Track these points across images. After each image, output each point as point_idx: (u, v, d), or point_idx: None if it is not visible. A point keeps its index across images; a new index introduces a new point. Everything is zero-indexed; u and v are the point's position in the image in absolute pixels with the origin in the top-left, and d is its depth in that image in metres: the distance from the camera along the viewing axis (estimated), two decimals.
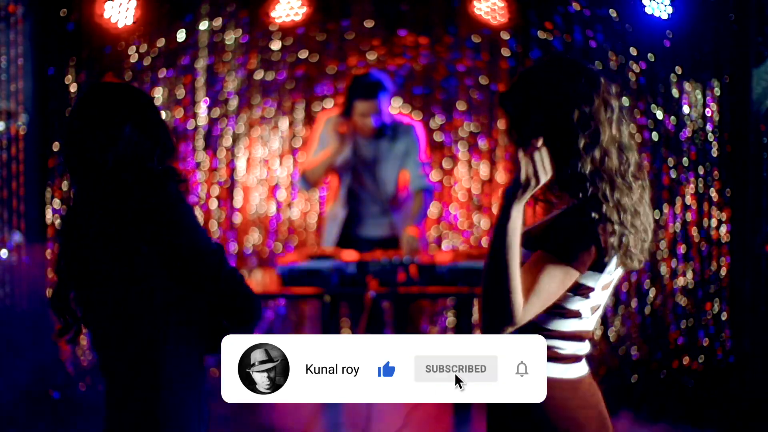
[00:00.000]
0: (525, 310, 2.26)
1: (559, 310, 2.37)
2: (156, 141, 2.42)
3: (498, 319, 2.26)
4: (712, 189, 5.74)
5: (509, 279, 2.24)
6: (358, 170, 5.38)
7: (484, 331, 2.28)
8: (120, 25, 5.60)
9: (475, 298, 4.99)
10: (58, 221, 5.93)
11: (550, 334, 2.37)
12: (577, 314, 2.39)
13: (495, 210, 6.29)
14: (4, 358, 5.65)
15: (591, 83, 2.36)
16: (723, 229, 5.79)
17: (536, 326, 2.35)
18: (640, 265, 2.42)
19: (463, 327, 4.84)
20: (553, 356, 2.38)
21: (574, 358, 2.42)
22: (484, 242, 6.29)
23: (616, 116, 2.36)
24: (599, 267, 2.35)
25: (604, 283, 2.39)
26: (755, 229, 5.64)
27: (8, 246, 5.80)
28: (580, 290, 2.36)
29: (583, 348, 2.43)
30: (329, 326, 4.78)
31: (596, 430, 2.40)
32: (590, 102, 2.34)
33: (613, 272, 2.39)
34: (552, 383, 2.35)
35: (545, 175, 2.25)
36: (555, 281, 2.28)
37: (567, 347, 2.40)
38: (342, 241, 5.37)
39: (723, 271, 5.81)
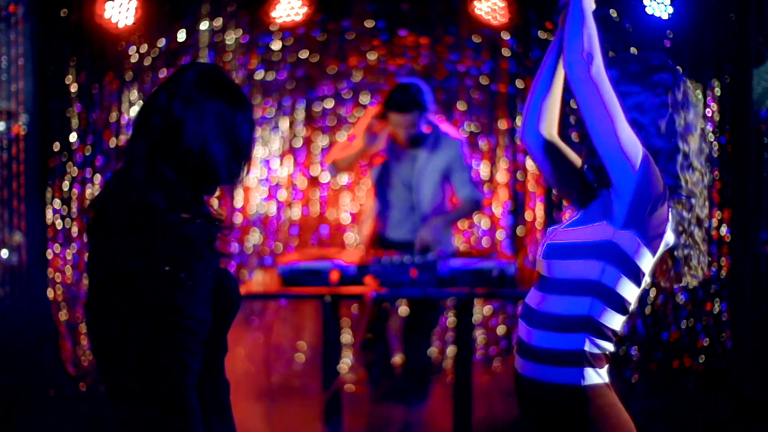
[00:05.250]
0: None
1: (617, 302, 2.35)
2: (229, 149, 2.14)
3: (574, 47, 2.36)
4: (712, 189, 5.74)
5: (585, 21, 2.45)
6: (390, 173, 5.36)
7: (566, 57, 2.35)
8: (120, 25, 5.60)
9: (476, 297, 5.00)
10: (58, 221, 5.94)
11: (605, 334, 2.36)
12: (628, 307, 2.38)
13: (495, 209, 6.30)
14: (4, 358, 5.65)
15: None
16: (723, 229, 5.79)
17: (595, 323, 2.34)
18: (699, 279, 2.47)
19: (464, 327, 4.84)
20: (607, 361, 2.39)
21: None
22: (485, 242, 6.29)
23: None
24: (654, 246, 2.35)
25: (649, 271, 2.39)
26: (755, 229, 5.65)
27: (8, 246, 5.81)
28: (638, 275, 2.36)
29: None
30: (329, 326, 4.78)
31: (633, 429, 2.41)
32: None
33: (655, 263, 2.40)
34: (608, 391, 2.37)
35: None
36: (625, 125, 2.29)
37: (611, 348, 2.39)
38: (372, 240, 5.39)
39: (723, 271, 5.82)
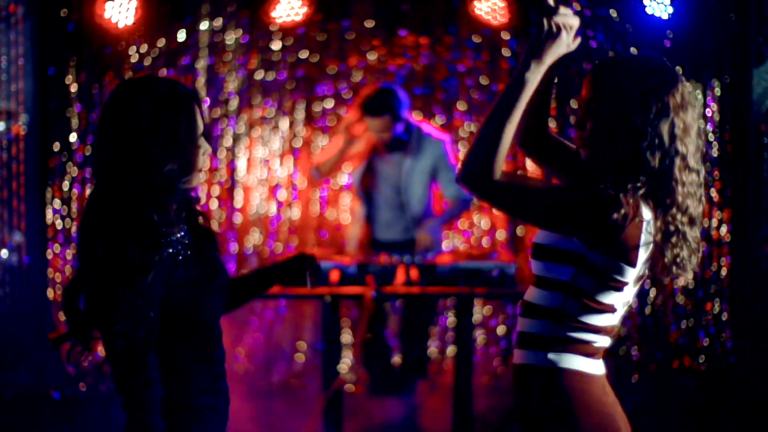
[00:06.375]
0: (503, 181, 2.25)
1: (594, 304, 2.35)
2: (173, 154, 2.17)
3: (478, 163, 2.24)
4: (712, 189, 5.74)
5: (501, 134, 2.24)
6: (376, 176, 5.38)
7: (461, 173, 2.26)
8: (120, 25, 5.60)
9: (476, 297, 5.01)
10: (58, 221, 5.94)
11: (584, 327, 2.36)
12: (611, 309, 2.37)
13: (495, 210, 6.29)
14: (5, 359, 5.65)
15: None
16: (723, 229, 5.79)
17: (571, 317, 2.35)
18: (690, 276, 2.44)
19: (464, 327, 4.84)
20: (590, 351, 2.38)
21: (604, 353, 2.42)
22: (485, 242, 6.28)
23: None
24: (632, 260, 2.32)
25: (636, 277, 2.37)
26: (755, 229, 5.64)
27: (8, 246, 5.81)
28: (616, 284, 2.35)
29: (609, 343, 2.43)
30: (329, 326, 4.78)
31: (625, 426, 2.40)
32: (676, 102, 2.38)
33: (644, 265, 2.38)
34: (588, 379, 2.36)
35: (568, 34, 2.27)
36: (547, 199, 2.29)
37: (600, 341, 2.39)
38: (363, 242, 5.42)
39: (723, 271, 5.81)
